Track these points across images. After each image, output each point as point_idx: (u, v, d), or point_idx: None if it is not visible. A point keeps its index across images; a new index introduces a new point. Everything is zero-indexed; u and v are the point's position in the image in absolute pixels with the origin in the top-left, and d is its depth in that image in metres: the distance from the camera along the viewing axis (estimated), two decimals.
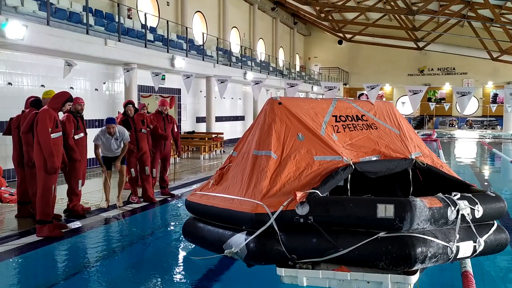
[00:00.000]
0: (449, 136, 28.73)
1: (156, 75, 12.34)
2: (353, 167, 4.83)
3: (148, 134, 8.29)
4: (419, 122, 39.39)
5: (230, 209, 4.69)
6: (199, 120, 19.45)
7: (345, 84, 40.74)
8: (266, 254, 4.38)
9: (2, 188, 8.31)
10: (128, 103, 8.31)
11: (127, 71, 12.36)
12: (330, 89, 12.50)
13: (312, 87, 31.52)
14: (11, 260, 5.25)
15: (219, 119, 20.08)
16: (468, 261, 4.68)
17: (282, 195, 4.53)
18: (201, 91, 19.07)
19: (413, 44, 36.44)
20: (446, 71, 39.52)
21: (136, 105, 9.39)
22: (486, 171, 14.12)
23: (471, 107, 38.65)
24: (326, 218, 4.29)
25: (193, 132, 18.16)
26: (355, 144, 5.31)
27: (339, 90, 36.62)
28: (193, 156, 15.71)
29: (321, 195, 4.45)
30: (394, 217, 4.08)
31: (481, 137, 27.99)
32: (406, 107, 39.08)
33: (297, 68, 37.14)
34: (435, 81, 38.42)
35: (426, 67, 40.04)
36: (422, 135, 25.31)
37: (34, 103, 6.60)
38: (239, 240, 4.50)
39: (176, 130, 9.04)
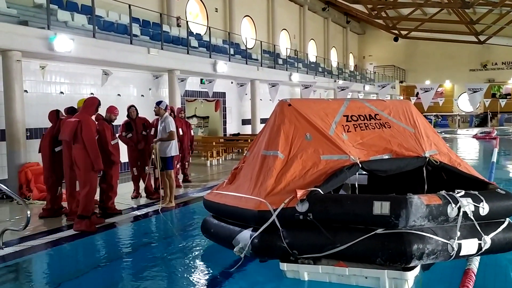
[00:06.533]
0: None
1: (209, 81, 13.06)
2: (360, 165, 4.90)
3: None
4: (482, 120, 37.43)
5: (238, 207, 4.93)
6: (244, 122, 19.83)
7: (401, 82, 39.60)
8: (269, 250, 4.58)
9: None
10: (131, 106, 8.93)
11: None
12: (383, 87, 12.39)
13: (364, 86, 31.01)
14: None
15: (264, 121, 20.31)
16: (476, 259, 4.59)
17: (286, 193, 4.68)
18: (246, 94, 19.43)
19: (474, 38, 34.76)
20: (511, 65, 37.34)
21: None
22: None
23: None
24: (325, 215, 4.41)
25: (238, 134, 18.57)
26: (366, 143, 5.34)
27: (393, 88, 35.92)
28: (237, 158, 16.08)
29: (322, 193, 4.56)
30: (390, 214, 4.13)
31: None
32: (467, 103, 37.37)
33: (351, 68, 36.60)
34: (499, 76, 36.47)
35: (489, 62, 38.08)
36: (480, 133, 24.03)
37: (70, 110, 7.22)
38: (245, 236, 4.73)
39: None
